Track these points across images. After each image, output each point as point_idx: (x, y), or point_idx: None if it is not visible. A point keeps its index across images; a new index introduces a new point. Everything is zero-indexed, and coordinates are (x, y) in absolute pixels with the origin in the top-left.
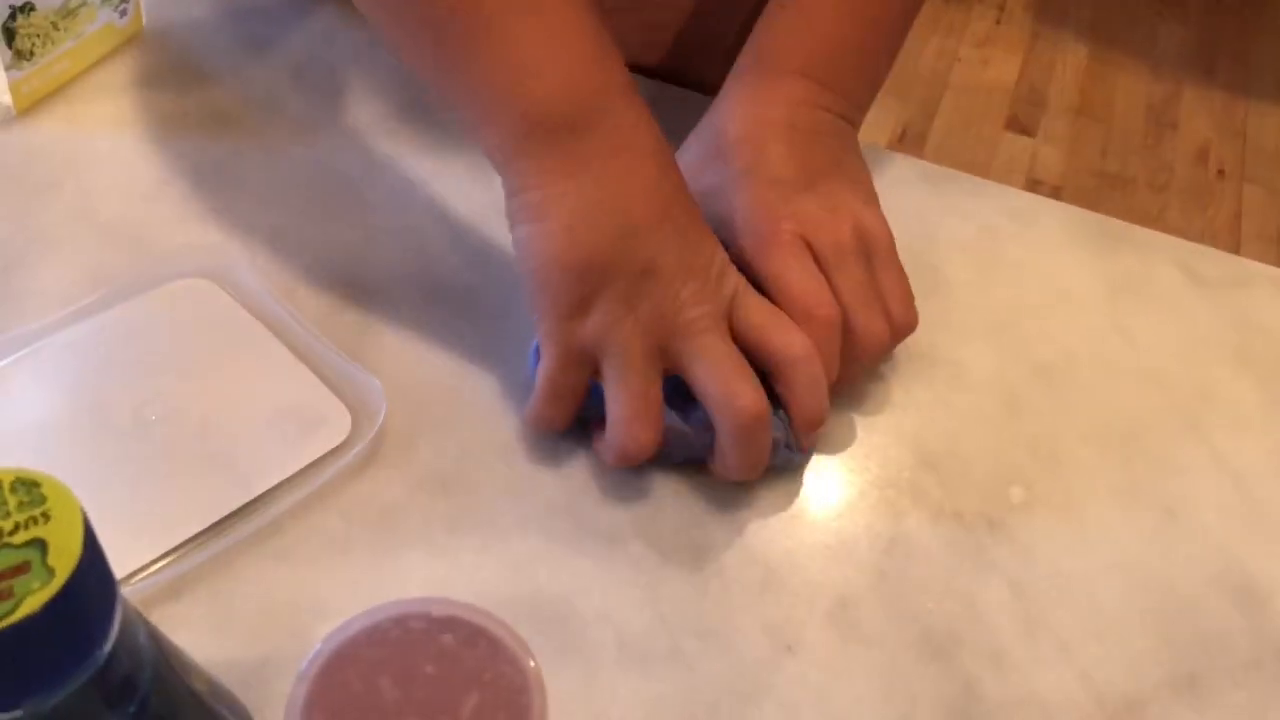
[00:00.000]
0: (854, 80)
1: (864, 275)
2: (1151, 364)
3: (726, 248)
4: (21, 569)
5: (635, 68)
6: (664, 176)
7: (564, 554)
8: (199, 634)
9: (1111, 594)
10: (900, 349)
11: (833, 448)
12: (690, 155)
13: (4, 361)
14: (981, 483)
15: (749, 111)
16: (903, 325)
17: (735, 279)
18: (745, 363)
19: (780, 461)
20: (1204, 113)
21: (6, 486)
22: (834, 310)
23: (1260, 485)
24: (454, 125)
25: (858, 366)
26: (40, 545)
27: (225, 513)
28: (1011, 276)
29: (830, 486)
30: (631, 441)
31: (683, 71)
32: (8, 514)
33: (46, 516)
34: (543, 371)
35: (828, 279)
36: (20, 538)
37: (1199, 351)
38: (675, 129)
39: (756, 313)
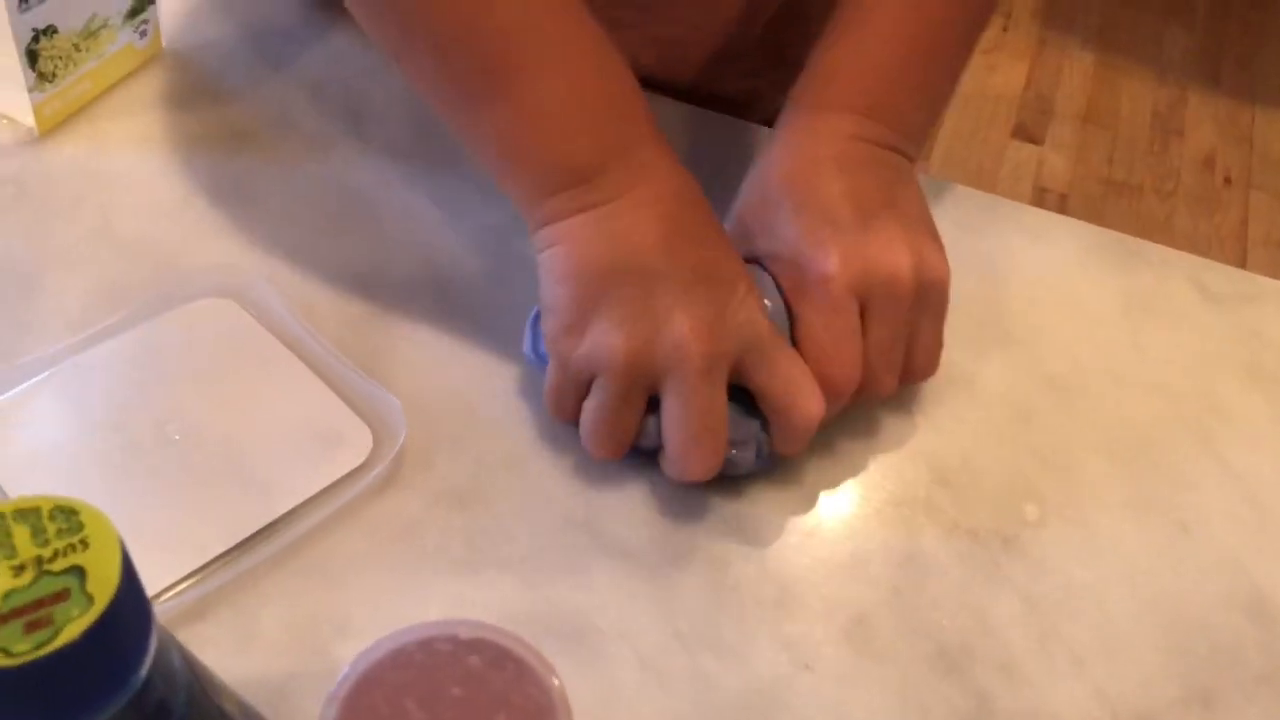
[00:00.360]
0: (908, 113)
1: (900, 328)
2: (1163, 378)
3: (777, 284)
4: (61, 596)
5: (646, 82)
6: (680, 210)
7: (581, 570)
8: (224, 653)
9: (1124, 608)
10: None
11: (848, 465)
12: (744, 196)
13: (28, 383)
14: (995, 499)
15: (800, 150)
16: (916, 376)
17: (763, 330)
18: (721, 423)
19: (745, 472)
20: (1210, 119)
21: (45, 514)
22: (852, 380)
23: (1272, 499)
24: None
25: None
26: (79, 573)
27: (249, 532)
28: (1025, 292)
29: (845, 503)
30: (593, 451)
31: (695, 86)
32: (47, 541)
33: (85, 544)
34: (548, 379)
35: (864, 322)
36: (59, 565)
37: (1211, 366)
38: (695, 149)
39: (777, 376)
